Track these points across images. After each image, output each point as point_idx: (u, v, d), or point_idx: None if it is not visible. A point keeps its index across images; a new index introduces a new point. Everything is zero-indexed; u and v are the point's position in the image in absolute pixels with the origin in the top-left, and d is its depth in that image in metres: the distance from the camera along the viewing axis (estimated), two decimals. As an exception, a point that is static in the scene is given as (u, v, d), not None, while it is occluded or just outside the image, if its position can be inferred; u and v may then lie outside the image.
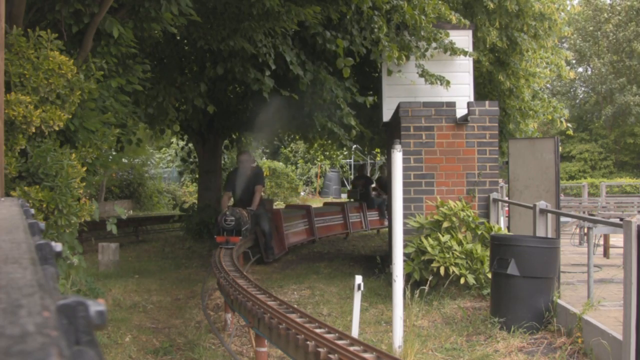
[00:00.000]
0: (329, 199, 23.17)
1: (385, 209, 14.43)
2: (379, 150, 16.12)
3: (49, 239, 1.25)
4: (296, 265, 9.51)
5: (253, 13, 6.71)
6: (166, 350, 4.86)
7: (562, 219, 8.20)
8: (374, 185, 15.10)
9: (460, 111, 7.06)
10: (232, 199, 8.89)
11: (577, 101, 36.20)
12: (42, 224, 1.65)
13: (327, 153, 19.60)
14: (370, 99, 8.06)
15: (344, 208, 13.89)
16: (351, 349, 2.67)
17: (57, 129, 4.28)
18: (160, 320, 5.97)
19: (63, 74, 4.29)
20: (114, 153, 6.23)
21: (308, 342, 2.88)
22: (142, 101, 7.23)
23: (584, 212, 12.95)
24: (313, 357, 2.82)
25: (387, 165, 10.64)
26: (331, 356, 2.70)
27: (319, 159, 25.51)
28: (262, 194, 8.97)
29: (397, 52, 7.47)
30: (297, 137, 15.08)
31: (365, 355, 2.59)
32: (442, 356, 4.51)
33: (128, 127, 5.98)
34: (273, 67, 7.20)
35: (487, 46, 8.46)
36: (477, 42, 8.48)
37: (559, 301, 5.07)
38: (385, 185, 14.75)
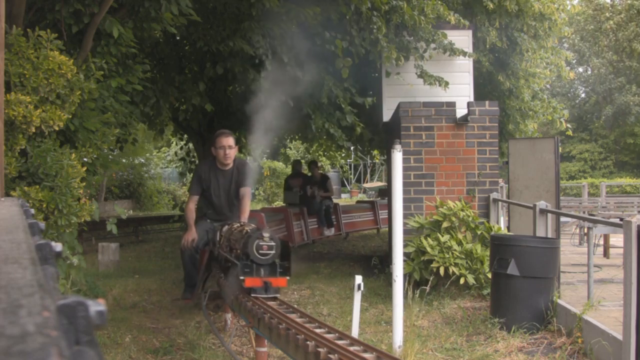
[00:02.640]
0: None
1: (325, 215, 12.10)
2: (377, 151, 16.03)
3: (49, 239, 1.25)
4: (296, 265, 9.50)
5: (253, 13, 6.71)
6: (166, 350, 4.86)
7: (562, 219, 8.20)
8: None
9: (460, 111, 7.07)
10: (213, 209, 5.65)
11: (577, 101, 36.20)
12: (42, 224, 1.65)
13: (328, 153, 19.57)
14: (370, 99, 8.05)
15: (288, 215, 11.20)
16: (351, 349, 2.67)
17: (57, 129, 4.28)
18: (160, 320, 5.97)
19: (63, 74, 4.29)
20: (113, 153, 6.22)
21: (308, 342, 2.88)
22: (139, 101, 7.21)
23: (584, 212, 12.95)
24: (313, 357, 2.82)
25: (387, 165, 10.62)
26: (331, 356, 2.69)
27: (320, 159, 25.44)
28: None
29: (395, 53, 7.47)
30: (297, 137, 15.07)
31: (365, 355, 2.59)
32: (442, 356, 4.51)
33: (127, 127, 5.97)
34: (269, 68, 7.19)
35: (487, 46, 8.46)
36: (476, 42, 8.48)
37: (559, 301, 5.07)
38: (322, 184, 12.38)
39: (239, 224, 4.72)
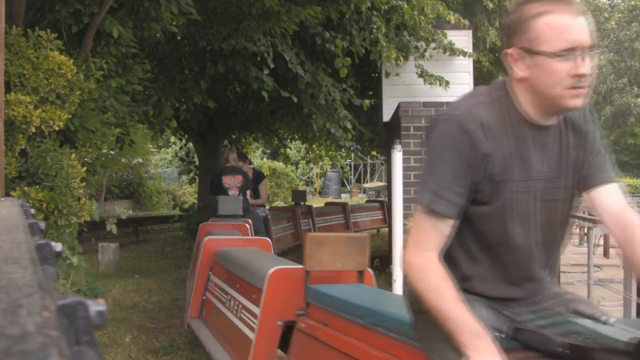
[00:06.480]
0: (329, 199, 23.14)
1: (264, 227, 7.86)
2: (375, 153, 15.98)
3: (49, 239, 1.25)
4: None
5: (253, 13, 6.71)
6: (166, 350, 4.86)
7: (562, 219, 8.19)
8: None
9: (460, 111, 7.06)
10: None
11: (577, 101, 36.16)
12: (42, 224, 1.65)
13: (329, 153, 19.54)
14: (367, 101, 8.04)
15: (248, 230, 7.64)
16: (351, 349, 2.65)
17: (57, 129, 4.28)
18: (160, 320, 5.97)
19: (63, 74, 4.29)
20: (112, 153, 6.20)
21: (308, 342, 2.87)
22: (140, 100, 7.19)
23: (583, 212, 12.95)
24: (313, 357, 2.81)
25: (387, 165, 10.61)
26: (331, 356, 2.69)
27: (323, 159, 25.37)
28: None
29: (394, 53, 7.47)
30: (297, 137, 15.06)
31: (365, 355, 2.57)
32: (442, 356, 4.50)
33: (128, 127, 5.96)
34: (272, 65, 7.18)
35: (487, 46, 8.47)
36: (476, 42, 8.49)
37: (559, 301, 5.06)
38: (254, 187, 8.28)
39: None
